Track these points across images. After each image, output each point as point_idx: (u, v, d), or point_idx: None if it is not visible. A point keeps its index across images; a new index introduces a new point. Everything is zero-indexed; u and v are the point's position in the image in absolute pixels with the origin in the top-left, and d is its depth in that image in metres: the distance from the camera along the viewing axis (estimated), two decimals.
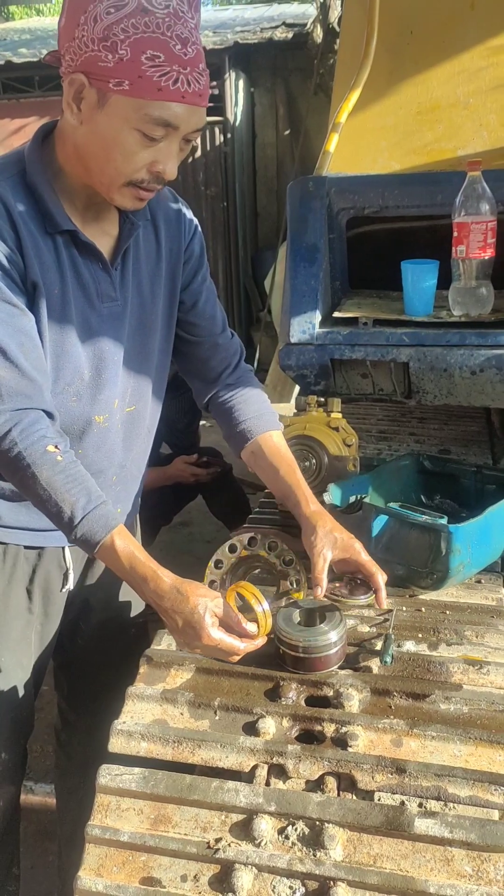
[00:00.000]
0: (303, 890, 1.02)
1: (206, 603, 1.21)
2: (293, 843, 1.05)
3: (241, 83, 6.90)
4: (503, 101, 2.14)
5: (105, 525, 1.25)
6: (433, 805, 1.08)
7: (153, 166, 1.21)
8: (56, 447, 1.26)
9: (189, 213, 1.53)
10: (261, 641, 1.25)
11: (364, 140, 2.24)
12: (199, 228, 1.55)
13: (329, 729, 1.17)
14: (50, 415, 1.30)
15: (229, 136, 6.69)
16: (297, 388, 2.16)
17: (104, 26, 1.12)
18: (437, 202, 1.96)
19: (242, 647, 1.23)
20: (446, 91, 2.20)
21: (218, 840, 1.06)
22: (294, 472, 1.50)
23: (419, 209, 2.01)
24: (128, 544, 1.25)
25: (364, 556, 1.38)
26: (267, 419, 1.56)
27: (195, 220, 1.54)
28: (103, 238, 1.36)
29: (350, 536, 1.39)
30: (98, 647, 1.71)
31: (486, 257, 1.86)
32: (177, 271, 1.50)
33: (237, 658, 1.24)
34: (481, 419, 2.56)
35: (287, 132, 7.41)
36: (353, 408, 2.69)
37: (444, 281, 1.96)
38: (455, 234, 1.86)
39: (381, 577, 1.37)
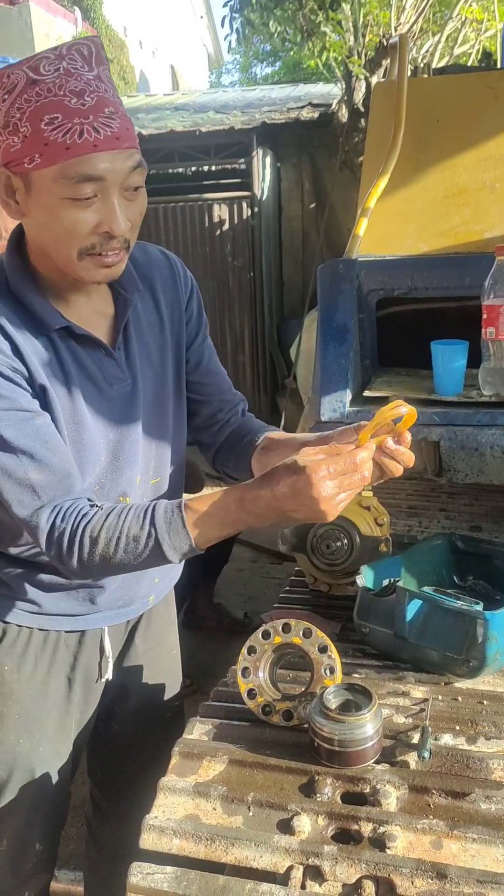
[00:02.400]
0: None
1: (298, 470, 1.13)
2: None
3: (268, 159, 7.12)
4: None
5: (175, 511, 1.20)
6: None
7: (99, 228, 1.17)
8: (92, 505, 1.26)
9: (184, 271, 1.49)
10: (373, 446, 1.17)
11: (393, 223, 2.29)
12: (196, 285, 1.53)
13: (366, 828, 1.13)
14: (88, 499, 1.30)
15: (256, 209, 6.87)
16: None
17: (2, 114, 1.12)
18: (465, 284, 2.00)
19: (358, 458, 1.14)
20: (473, 176, 2.25)
21: None
22: (306, 435, 1.42)
23: (447, 290, 2.04)
24: (201, 501, 1.21)
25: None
26: (270, 428, 1.53)
27: (191, 277, 1.52)
28: (100, 321, 1.34)
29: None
30: (133, 732, 1.68)
31: None
32: (181, 333, 1.48)
33: (367, 474, 1.17)
34: None
35: (312, 206, 7.60)
36: (382, 483, 2.68)
37: (474, 360, 1.98)
38: (485, 315, 1.88)
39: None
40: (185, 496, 1.34)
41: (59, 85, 1.10)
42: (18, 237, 1.29)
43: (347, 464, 1.14)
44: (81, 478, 1.33)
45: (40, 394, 1.27)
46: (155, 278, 1.43)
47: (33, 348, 1.25)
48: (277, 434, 1.51)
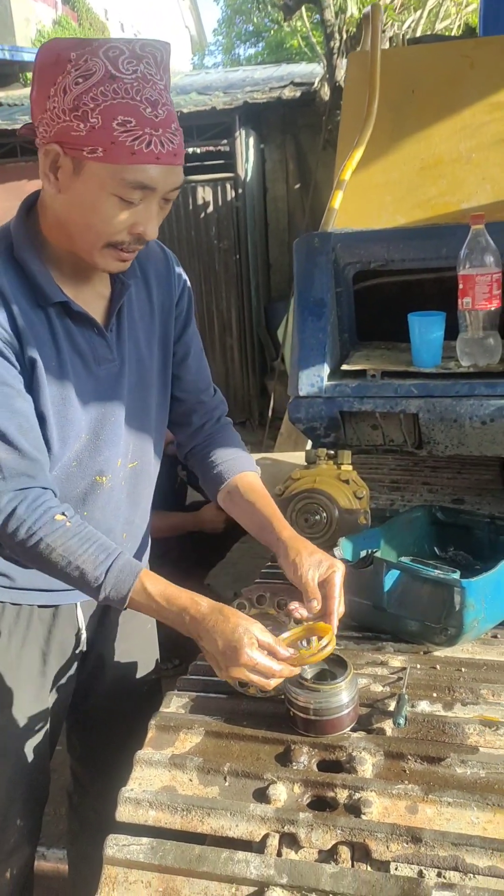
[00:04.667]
0: None
1: (246, 625, 1.21)
2: None
3: (251, 140, 7.06)
4: None
5: (131, 572, 1.26)
6: (451, 876, 1.04)
7: (133, 228, 1.23)
8: (63, 514, 1.28)
9: (178, 268, 1.53)
10: (297, 670, 1.23)
11: (369, 196, 2.27)
12: (188, 283, 1.57)
13: (342, 795, 1.13)
14: (52, 492, 1.32)
15: (240, 191, 6.82)
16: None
17: (74, 97, 1.14)
18: (441, 255, 1.98)
19: (278, 668, 1.20)
20: (449, 147, 2.23)
21: None
22: (269, 504, 1.48)
23: (424, 262, 2.03)
24: (157, 583, 1.26)
25: (337, 585, 1.34)
26: (243, 462, 1.56)
27: (184, 275, 1.55)
28: (96, 300, 1.38)
29: (333, 560, 1.37)
30: (111, 706, 1.69)
31: (493, 308, 1.87)
32: (169, 326, 1.51)
33: (273, 683, 1.22)
34: (495, 467, 2.54)
35: (297, 186, 7.55)
36: (364, 458, 2.68)
37: (452, 332, 1.97)
38: (461, 286, 1.87)
39: (335, 620, 1.32)
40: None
41: (137, 90, 1.14)
42: (29, 206, 1.34)
43: (268, 668, 1.20)
44: (61, 454, 1.35)
45: (28, 367, 1.29)
46: (150, 269, 1.47)
47: (28, 320, 1.28)
48: (244, 483, 1.52)
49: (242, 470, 1.54)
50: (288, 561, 1.36)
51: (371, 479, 2.45)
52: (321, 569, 1.34)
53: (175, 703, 1.34)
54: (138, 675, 1.71)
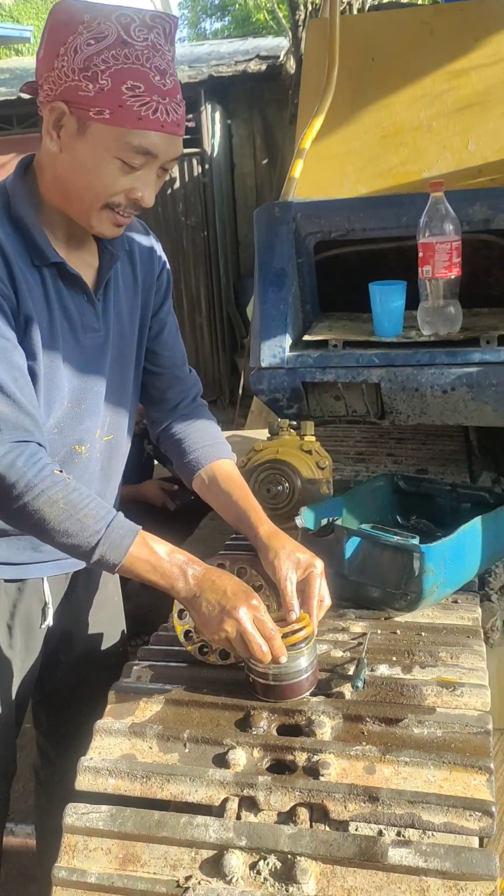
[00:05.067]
0: None
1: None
2: (265, 879, 1.03)
3: (217, 115, 6.99)
4: (465, 124, 2.17)
5: (131, 528, 1.24)
6: (409, 833, 1.05)
7: (132, 193, 1.24)
8: (61, 471, 1.26)
9: (159, 248, 1.56)
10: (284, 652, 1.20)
11: (330, 165, 2.26)
12: (167, 262, 1.58)
13: (301, 758, 1.14)
14: (45, 448, 1.30)
15: (207, 166, 6.75)
16: None
17: (84, 57, 1.15)
18: (402, 224, 1.98)
19: (274, 633, 1.20)
20: (409, 115, 2.22)
21: (188, 878, 1.03)
22: (248, 495, 1.47)
23: (385, 231, 2.02)
24: (157, 539, 1.26)
25: (316, 584, 1.32)
26: (219, 448, 1.55)
27: (164, 255, 1.57)
28: (85, 269, 1.37)
29: (312, 556, 1.35)
30: (79, 679, 1.68)
31: (453, 277, 1.87)
32: (148, 302, 1.52)
33: (259, 650, 1.19)
34: (459, 438, 2.55)
35: (265, 161, 7.50)
36: (331, 430, 2.68)
37: (414, 301, 1.97)
38: (420, 254, 1.87)
39: (316, 605, 1.31)
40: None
41: (147, 57, 1.16)
42: (26, 166, 1.34)
43: (266, 625, 1.21)
44: (44, 419, 1.34)
45: (23, 325, 1.28)
46: (135, 245, 1.48)
47: (25, 278, 1.28)
48: (222, 473, 1.51)
49: (219, 457, 1.53)
50: (268, 562, 1.35)
51: (336, 450, 2.45)
52: (300, 569, 1.33)
53: (135, 674, 1.34)
54: (105, 650, 1.70)
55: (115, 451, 1.54)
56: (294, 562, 1.33)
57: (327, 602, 1.33)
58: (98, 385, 1.42)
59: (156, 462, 3.33)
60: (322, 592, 1.32)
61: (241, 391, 6.72)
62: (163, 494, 2.91)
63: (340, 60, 2.18)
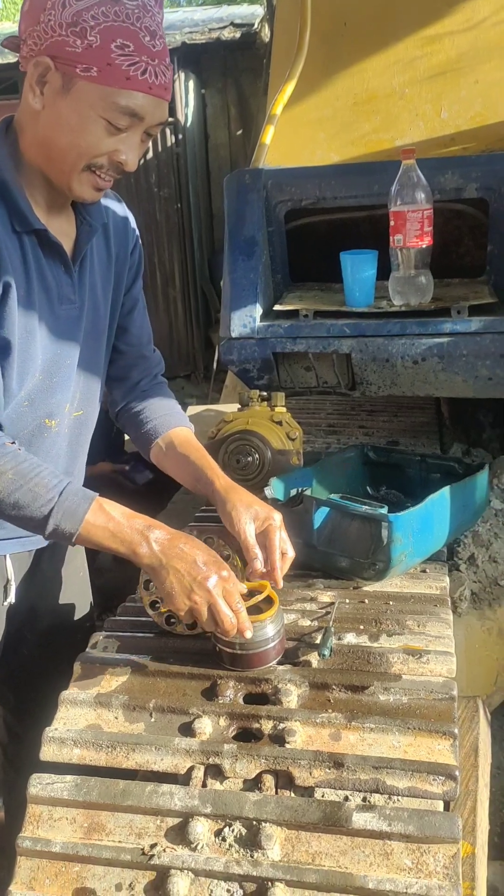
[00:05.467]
0: (240, 892, 0.99)
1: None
2: (230, 845, 1.03)
3: (191, 84, 6.87)
4: (438, 91, 2.14)
5: (85, 496, 1.20)
6: (374, 798, 1.06)
7: (115, 155, 1.21)
8: (13, 443, 1.24)
9: (133, 221, 1.53)
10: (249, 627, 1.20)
11: (303, 132, 2.22)
12: (140, 238, 1.55)
13: (267, 726, 1.14)
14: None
15: (181, 136, 6.64)
16: None
17: (73, 12, 1.12)
18: (373, 192, 1.95)
19: (241, 607, 1.19)
20: (382, 81, 2.19)
21: (153, 846, 1.03)
22: (205, 456, 1.46)
23: (356, 199, 2.00)
24: (114, 504, 1.22)
25: (276, 537, 1.32)
26: (176, 418, 1.54)
27: (137, 230, 1.54)
28: (64, 239, 1.34)
29: (270, 509, 1.35)
30: (45, 655, 1.66)
31: (424, 246, 1.86)
32: (122, 277, 1.49)
33: (229, 623, 1.17)
34: (431, 410, 2.56)
35: (239, 132, 7.39)
36: (303, 402, 2.67)
37: (386, 271, 1.95)
38: (392, 223, 1.85)
39: (279, 558, 1.31)
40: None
41: (138, 17, 1.13)
42: (7, 127, 1.29)
43: (234, 596, 1.20)
44: (16, 390, 1.32)
45: (1, 291, 1.24)
46: (111, 218, 1.46)
47: (4, 243, 1.24)
48: (178, 438, 1.50)
49: (176, 425, 1.53)
50: (225, 513, 1.34)
51: (308, 422, 2.44)
52: (258, 521, 1.33)
53: (102, 644, 1.33)
54: (72, 625, 1.69)
55: (84, 428, 1.52)
56: (252, 513, 1.33)
57: (290, 554, 1.34)
58: (70, 358, 1.39)
59: (126, 437, 3.31)
60: (284, 545, 1.32)
61: (215, 366, 6.68)
62: (114, 475, 2.89)
63: (312, 25, 2.14)
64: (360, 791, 1.06)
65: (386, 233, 1.90)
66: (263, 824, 1.02)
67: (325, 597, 1.46)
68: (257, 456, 1.77)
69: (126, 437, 3.28)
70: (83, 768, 1.13)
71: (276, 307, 2.00)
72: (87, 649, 1.32)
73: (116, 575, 3.39)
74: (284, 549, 1.32)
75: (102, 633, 1.36)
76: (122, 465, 2.97)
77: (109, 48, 1.12)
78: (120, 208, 1.49)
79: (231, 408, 5.44)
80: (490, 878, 1.58)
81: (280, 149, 2.17)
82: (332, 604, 1.41)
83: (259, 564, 1.29)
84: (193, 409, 6.10)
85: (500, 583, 1.75)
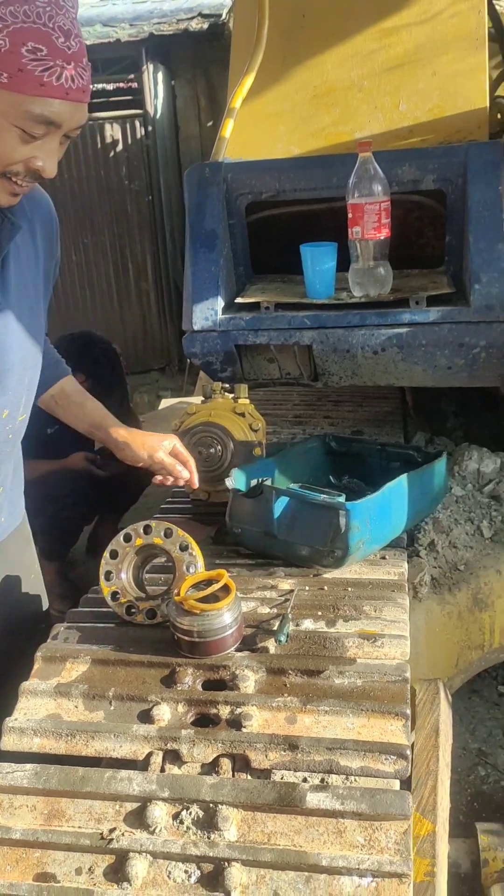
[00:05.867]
0: (198, 873, 1.02)
1: None
2: (188, 828, 1.05)
3: (160, 75, 6.83)
4: (396, 83, 2.16)
5: None
6: (332, 779, 1.08)
7: (31, 162, 1.15)
8: None
9: (53, 209, 1.47)
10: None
11: (263, 125, 2.23)
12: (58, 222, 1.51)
13: (224, 711, 1.16)
14: None
15: (150, 129, 6.61)
16: None
17: None
18: (333, 185, 1.97)
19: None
20: (340, 74, 2.20)
21: (112, 830, 1.05)
22: (99, 406, 1.62)
23: (316, 192, 2.01)
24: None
25: (185, 451, 1.63)
26: (62, 368, 1.64)
27: (55, 215, 1.49)
28: None
29: (165, 436, 1.62)
30: (4, 648, 1.66)
31: (382, 237, 1.88)
32: (49, 273, 1.45)
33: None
34: (395, 399, 2.59)
35: (210, 124, 7.37)
36: (270, 393, 2.69)
37: (347, 263, 1.97)
38: (350, 215, 1.87)
39: (196, 477, 1.64)
40: None
41: (50, 16, 1.07)
42: None
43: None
44: None
45: None
46: (36, 214, 1.40)
47: None
48: (70, 387, 1.63)
49: (63, 375, 1.62)
50: (131, 452, 1.57)
51: (274, 413, 2.47)
52: (166, 445, 1.59)
53: (62, 635, 1.34)
54: (33, 612, 1.69)
55: (23, 430, 1.50)
56: (158, 442, 1.59)
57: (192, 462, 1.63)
58: (6, 362, 1.34)
59: None
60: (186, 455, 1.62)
61: (189, 360, 6.67)
62: (87, 464, 2.90)
63: (271, 17, 2.15)
64: (314, 772, 1.09)
65: (345, 225, 1.92)
66: (220, 806, 1.05)
67: (285, 584, 1.48)
68: (220, 447, 1.78)
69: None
70: (43, 757, 1.15)
71: (238, 300, 2.02)
72: (49, 640, 1.33)
73: (89, 567, 3.41)
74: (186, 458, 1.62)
75: (63, 625, 1.37)
76: (95, 456, 2.98)
77: (20, 52, 1.05)
78: (46, 204, 1.43)
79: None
80: (453, 854, 1.62)
81: (241, 142, 2.18)
82: (292, 591, 1.44)
83: (185, 474, 1.62)
84: (167, 402, 6.11)
85: (459, 568, 1.78)
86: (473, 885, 1.70)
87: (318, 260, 1.94)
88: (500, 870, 1.62)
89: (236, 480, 1.62)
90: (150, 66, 6.61)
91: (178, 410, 3.60)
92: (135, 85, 6.58)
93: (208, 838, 1.03)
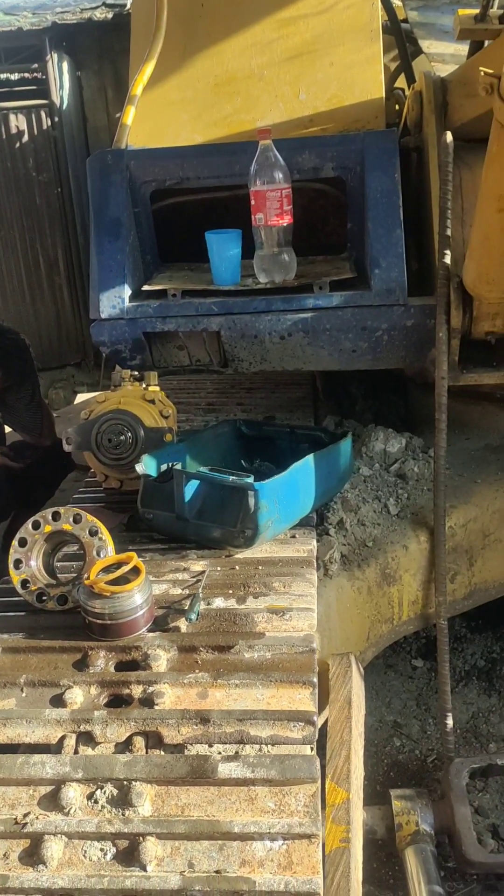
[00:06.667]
0: (114, 850, 1.03)
1: None
2: (102, 807, 1.06)
3: (65, 65, 6.71)
4: (295, 73, 2.19)
5: None
6: (246, 750, 1.11)
7: None
8: None
9: None
10: None
11: (166, 113, 2.23)
12: None
13: (137, 691, 1.18)
14: None
15: (57, 119, 6.49)
16: None
17: None
18: (235, 172, 1.99)
19: None
20: (241, 63, 2.22)
21: (26, 815, 1.05)
22: None
23: (218, 179, 2.03)
24: None
25: None
26: None
27: None
28: None
29: None
30: None
31: (285, 224, 1.91)
32: None
33: None
34: (307, 385, 2.64)
35: (118, 115, 7.29)
36: (183, 382, 2.70)
37: (252, 251, 1.99)
38: (253, 202, 1.89)
39: None
40: None
41: None
42: None
43: None
44: None
45: None
46: None
47: None
48: None
49: None
50: None
51: (187, 401, 2.48)
52: None
53: None
54: None
55: None
56: None
57: None
58: None
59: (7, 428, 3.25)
60: None
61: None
62: (1, 457, 2.85)
63: (170, 4, 2.14)
64: (226, 744, 1.11)
65: (249, 212, 1.94)
66: (134, 783, 1.06)
67: (198, 566, 1.50)
68: (130, 434, 1.79)
69: (7, 427, 3.23)
70: None
71: (145, 287, 2.01)
72: None
73: (4, 566, 3.35)
74: None
75: None
76: (7, 449, 2.93)
77: None
78: None
79: None
80: (368, 821, 1.67)
81: (145, 130, 2.17)
82: (203, 572, 1.46)
83: None
84: (83, 397, 6.02)
85: (368, 544, 1.83)
86: (390, 850, 1.76)
87: (223, 247, 1.96)
88: (413, 832, 1.68)
89: (147, 466, 1.63)
90: (55, 56, 6.48)
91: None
92: (40, 75, 6.44)
93: (123, 815, 1.04)
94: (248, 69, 2.21)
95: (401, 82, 2.82)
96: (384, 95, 2.18)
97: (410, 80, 2.67)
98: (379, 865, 1.86)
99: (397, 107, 2.55)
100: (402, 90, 2.69)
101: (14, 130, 6.44)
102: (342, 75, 2.18)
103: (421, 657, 2.52)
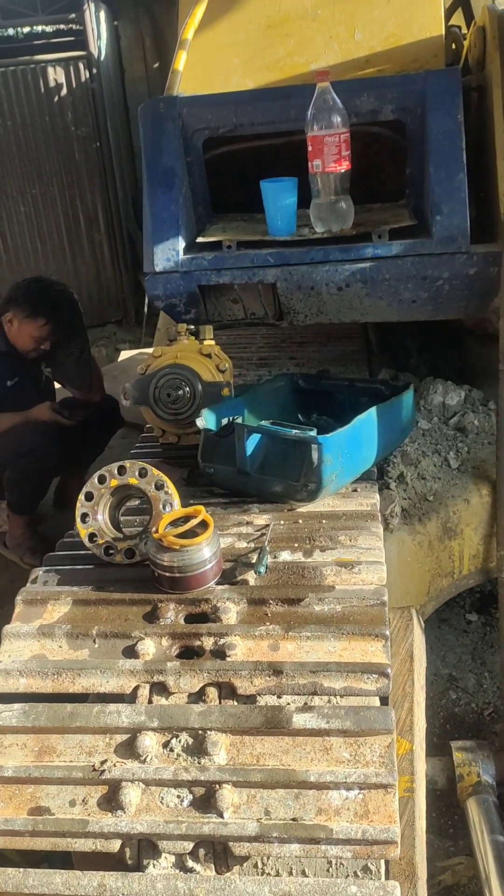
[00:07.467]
0: (190, 797, 1.04)
1: None
2: (178, 755, 1.07)
3: (102, 15, 6.57)
4: (351, 11, 2.11)
5: None
6: (317, 701, 1.11)
7: None
8: None
9: None
10: None
11: (217, 57, 2.17)
12: None
13: (208, 643, 1.18)
14: None
15: (95, 71, 6.39)
16: None
17: None
18: (290, 117, 1.93)
19: None
20: (294, 3, 2.14)
21: (103, 762, 1.07)
22: None
23: (274, 125, 1.97)
24: None
25: None
26: None
27: None
28: None
29: None
30: None
31: (343, 170, 1.85)
32: None
33: None
34: (359, 338, 2.59)
35: (156, 65, 7.14)
36: (234, 337, 2.67)
37: (308, 199, 1.94)
38: (310, 148, 1.84)
39: None
40: None
41: None
42: None
43: None
44: None
45: None
46: None
47: None
48: None
49: None
50: None
51: (239, 356, 2.45)
52: None
53: (41, 579, 1.34)
54: None
55: None
56: None
57: None
58: None
59: (57, 385, 3.27)
60: None
61: (146, 309, 6.57)
62: (53, 414, 2.87)
63: None
64: (299, 695, 1.11)
65: (305, 159, 1.89)
66: (209, 733, 1.07)
67: (261, 520, 1.50)
68: (188, 389, 1.77)
69: (56, 384, 3.25)
70: (31, 696, 1.15)
71: (199, 239, 1.98)
72: (28, 584, 1.33)
73: (58, 521, 3.39)
74: None
75: (42, 569, 1.37)
76: (58, 406, 2.95)
77: None
78: None
79: None
80: (429, 772, 1.68)
81: (194, 75, 2.11)
82: (267, 525, 1.45)
83: None
84: (126, 354, 6.02)
85: (428, 498, 1.81)
86: (450, 800, 1.78)
87: (278, 196, 1.91)
88: (475, 783, 1.69)
89: (207, 420, 1.62)
90: (92, 5, 6.35)
91: (139, 362, 3.58)
92: (76, 26, 6.32)
93: (199, 763, 1.06)
94: (301, 9, 2.14)
95: (457, 19, 2.71)
96: (444, 33, 2.09)
97: (469, 16, 2.55)
98: (438, 815, 1.87)
99: (454, 46, 2.45)
100: (458, 27, 2.58)
101: (52, 84, 6.36)
102: (399, 12, 2.10)
103: (475, 611, 2.51)
